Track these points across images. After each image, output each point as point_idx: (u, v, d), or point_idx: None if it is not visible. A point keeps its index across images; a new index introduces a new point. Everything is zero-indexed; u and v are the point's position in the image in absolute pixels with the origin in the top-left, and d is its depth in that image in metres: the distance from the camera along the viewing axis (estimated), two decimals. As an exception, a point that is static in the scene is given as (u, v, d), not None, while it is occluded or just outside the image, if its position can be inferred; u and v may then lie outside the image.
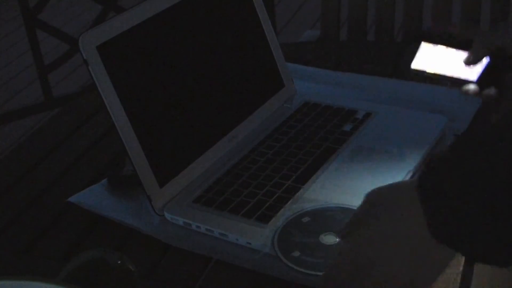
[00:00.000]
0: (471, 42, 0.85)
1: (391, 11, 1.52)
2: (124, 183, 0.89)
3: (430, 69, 0.87)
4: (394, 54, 1.22)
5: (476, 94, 0.86)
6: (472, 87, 0.85)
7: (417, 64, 0.88)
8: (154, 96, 0.83)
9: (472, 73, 0.85)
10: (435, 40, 0.86)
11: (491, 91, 0.85)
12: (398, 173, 0.84)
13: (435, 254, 0.57)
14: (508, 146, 0.52)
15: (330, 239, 0.75)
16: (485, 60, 0.85)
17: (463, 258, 0.66)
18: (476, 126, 0.76)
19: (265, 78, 1.01)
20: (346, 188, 0.83)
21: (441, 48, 0.87)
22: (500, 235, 0.52)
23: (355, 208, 0.63)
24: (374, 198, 0.62)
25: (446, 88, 1.06)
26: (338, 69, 1.18)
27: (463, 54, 0.86)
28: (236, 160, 0.90)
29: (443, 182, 0.55)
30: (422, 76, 0.88)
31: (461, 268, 0.70)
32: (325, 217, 0.78)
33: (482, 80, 0.85)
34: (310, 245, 0.74)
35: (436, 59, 0.87)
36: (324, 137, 0.93)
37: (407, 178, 0.84)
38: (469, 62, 0.85)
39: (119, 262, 0.67)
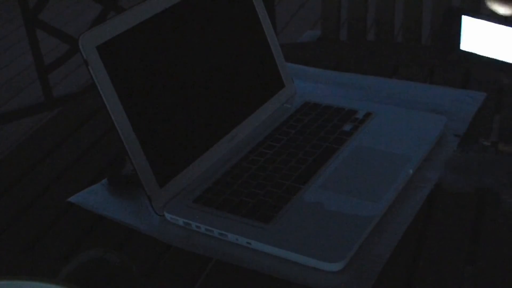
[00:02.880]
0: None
1: (391, 11, 1.52)
2: (124, 183, 0.89)
3: (481, 51, 0.76)
4: (395, 54, 1.22)
5: None
6: None
7: (466, 45, 0.76)
8: (154, 96, 0.83)
9: None
10: (475, 14, 0.75)
11: None
12: (398, 173, 0.84)
13: None
14: None
15: None
16: None
17: None
18: None
19: (265, 78, 1.01)
20: (346, 188, 0.83)
21: (484, 23, 0.77)
22: None
23: None
24: None
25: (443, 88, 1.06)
26: (338, 69, 1.18)
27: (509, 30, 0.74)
28: (236, 160, 0.90)
29: None
30: (472, 59, 0.76)
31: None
32: None
33: None
34: None
35: (484, 38, 0.76)
36: (324, 137, 0.93)
37: (407, 178, 0.84)
38: None
39: (119, 262, 0.67)
